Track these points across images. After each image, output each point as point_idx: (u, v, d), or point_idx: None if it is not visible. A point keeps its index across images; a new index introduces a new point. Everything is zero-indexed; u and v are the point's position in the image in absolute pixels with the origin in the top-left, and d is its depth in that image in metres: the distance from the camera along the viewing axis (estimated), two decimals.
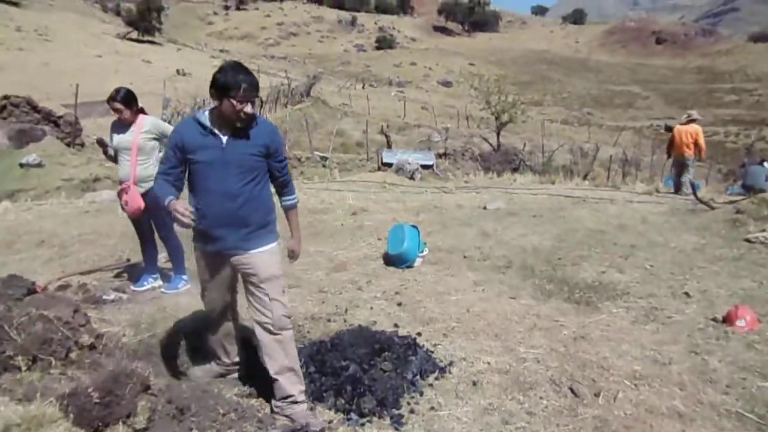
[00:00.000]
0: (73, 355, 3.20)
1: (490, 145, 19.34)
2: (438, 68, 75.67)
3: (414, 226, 5.40)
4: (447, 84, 65.87)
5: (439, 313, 4.05)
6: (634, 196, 9.68)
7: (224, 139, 2.65)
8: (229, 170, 2.64)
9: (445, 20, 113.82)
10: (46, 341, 3.11)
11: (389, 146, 18.21)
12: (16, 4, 53.30)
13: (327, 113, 28.88)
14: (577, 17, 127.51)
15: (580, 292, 4.57)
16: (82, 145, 16.11)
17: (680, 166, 9.96)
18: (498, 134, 19.63)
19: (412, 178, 11.83)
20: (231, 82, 2.54)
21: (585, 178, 14.67)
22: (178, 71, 34.39)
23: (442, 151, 19.14)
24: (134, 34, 55.02)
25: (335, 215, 7.62)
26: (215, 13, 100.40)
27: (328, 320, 3.91)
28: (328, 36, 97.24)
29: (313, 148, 18.79)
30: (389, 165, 15.59)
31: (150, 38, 56.12)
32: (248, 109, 2.60)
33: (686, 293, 4.48)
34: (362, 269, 5.16)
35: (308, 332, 3.75)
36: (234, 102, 2.55)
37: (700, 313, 4.09)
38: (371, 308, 4.13)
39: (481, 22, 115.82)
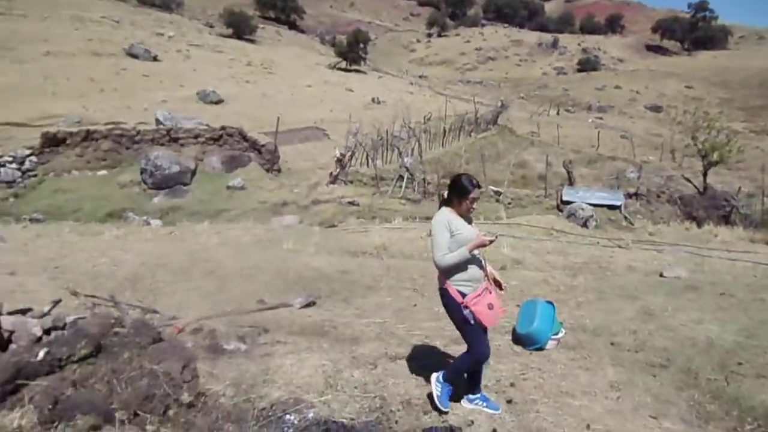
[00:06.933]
0: (171, 413, 3.39)
1: (694, 186, 16.75)
2: (647, 92, 68.94)
3: (550, 303, 4.78)
4: (656, 109, 59.59)
5: (551, 424, 3.47)
6: None
7: None
8: None
9: (660, 38, 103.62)
10: (148, 397, 3.34)
11: (571, 182, 16.90)
12: (252, 41, 62.52)
13: (513, 142, 28.07)
14: None
15: (754, 423, 3.55)
16: (279, 170, 17.98)
17: None
18: (705, 175, 16.92)
19: (585, 225, 10.74)
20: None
21: None
22: (372, 99, 36.64)
23: (633, 190, 17.18)
24: (343, 64, 60.41)
25: None
26: (418, 41, 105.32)
27: (424, 412, 3.60)
28: (526, 59, 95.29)
29: (489, 180, 18.33)
30: (569, 203, 14.46)
31: (356, 67, 61.07)
32: None
33: None
34: None
35: (396, 422, 3.48)
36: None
37: None
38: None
39: (705, 39, 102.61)
